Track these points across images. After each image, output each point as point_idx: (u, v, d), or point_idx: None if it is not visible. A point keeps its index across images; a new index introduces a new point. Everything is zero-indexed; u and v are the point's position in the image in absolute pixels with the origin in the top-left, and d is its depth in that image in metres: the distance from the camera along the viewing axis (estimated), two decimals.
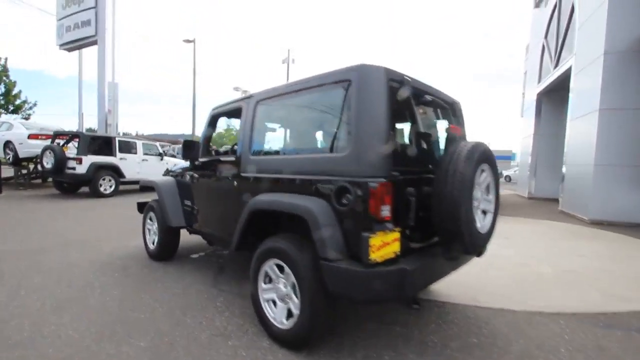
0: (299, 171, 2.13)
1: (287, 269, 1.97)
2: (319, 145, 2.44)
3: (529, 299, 2.93)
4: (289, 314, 2.01)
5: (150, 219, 3.85)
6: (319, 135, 2.47)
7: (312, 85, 2.18)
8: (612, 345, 2.23)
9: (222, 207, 2.88)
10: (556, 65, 10.70)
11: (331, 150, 2.08)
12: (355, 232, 1.72)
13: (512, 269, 3.75)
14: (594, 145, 7.34)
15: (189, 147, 3.16)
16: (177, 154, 15.76)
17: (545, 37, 12.10)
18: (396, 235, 1.74)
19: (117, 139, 9.70)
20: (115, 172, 9.33)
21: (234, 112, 2.98)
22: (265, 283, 2.16)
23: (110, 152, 9.37)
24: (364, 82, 1.86)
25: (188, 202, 3.42)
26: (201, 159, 3.19)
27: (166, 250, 3.70)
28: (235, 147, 3.08)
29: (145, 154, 10.26)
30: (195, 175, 3.27)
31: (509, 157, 36.20)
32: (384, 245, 1.68)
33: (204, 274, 3.32)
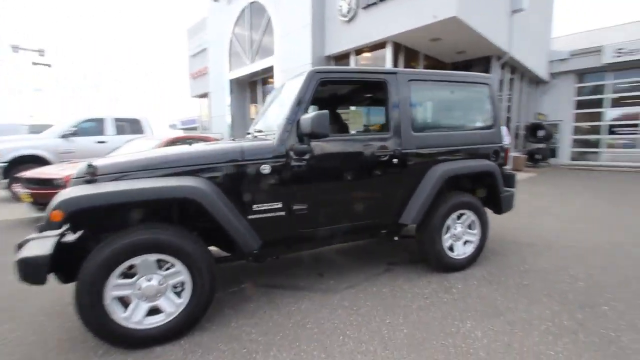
0: (462, 143, 2.85)
1: (468, 214, 2.82)
2: (470, 124, 3.02)
3: None
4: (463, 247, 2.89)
5: (133, 272, 1.76)
6: (468, 116, 3.04)
7: (458, 80, 2.92)
8: None
9: (369, 190, 2.56)
10: (252, 61, 13.28)
11: (481, 127, 3.01)
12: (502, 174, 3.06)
13: None
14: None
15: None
16: None
17: (233, 32, 14.29)
18: None
19: None
20: None
21: (359, 83, 2.90)
22: (444, 233, 2.72)
23: None
24: (494, 86, 3.08)
25: (269, 206, 2.19)
26: (335, 137, 2.49)
27: (208, 303, 1.88)
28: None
29: None
30: (301, 162, 2.24)
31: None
32: None
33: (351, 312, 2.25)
